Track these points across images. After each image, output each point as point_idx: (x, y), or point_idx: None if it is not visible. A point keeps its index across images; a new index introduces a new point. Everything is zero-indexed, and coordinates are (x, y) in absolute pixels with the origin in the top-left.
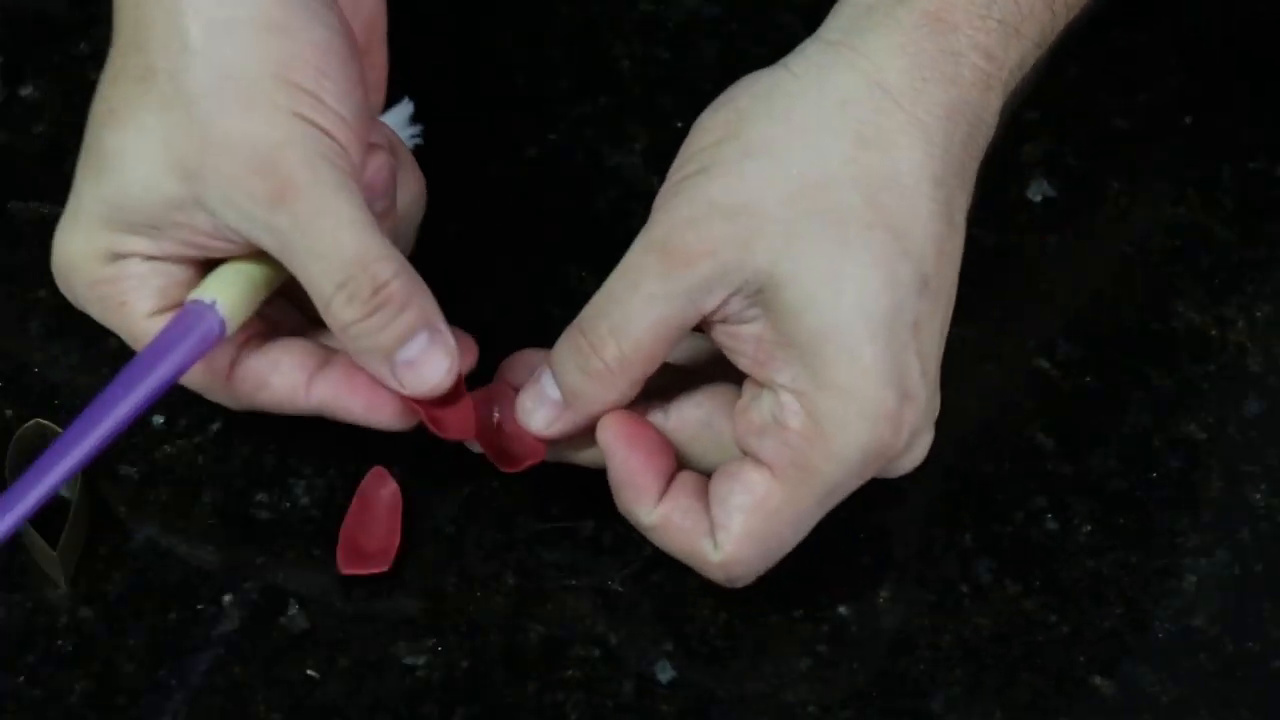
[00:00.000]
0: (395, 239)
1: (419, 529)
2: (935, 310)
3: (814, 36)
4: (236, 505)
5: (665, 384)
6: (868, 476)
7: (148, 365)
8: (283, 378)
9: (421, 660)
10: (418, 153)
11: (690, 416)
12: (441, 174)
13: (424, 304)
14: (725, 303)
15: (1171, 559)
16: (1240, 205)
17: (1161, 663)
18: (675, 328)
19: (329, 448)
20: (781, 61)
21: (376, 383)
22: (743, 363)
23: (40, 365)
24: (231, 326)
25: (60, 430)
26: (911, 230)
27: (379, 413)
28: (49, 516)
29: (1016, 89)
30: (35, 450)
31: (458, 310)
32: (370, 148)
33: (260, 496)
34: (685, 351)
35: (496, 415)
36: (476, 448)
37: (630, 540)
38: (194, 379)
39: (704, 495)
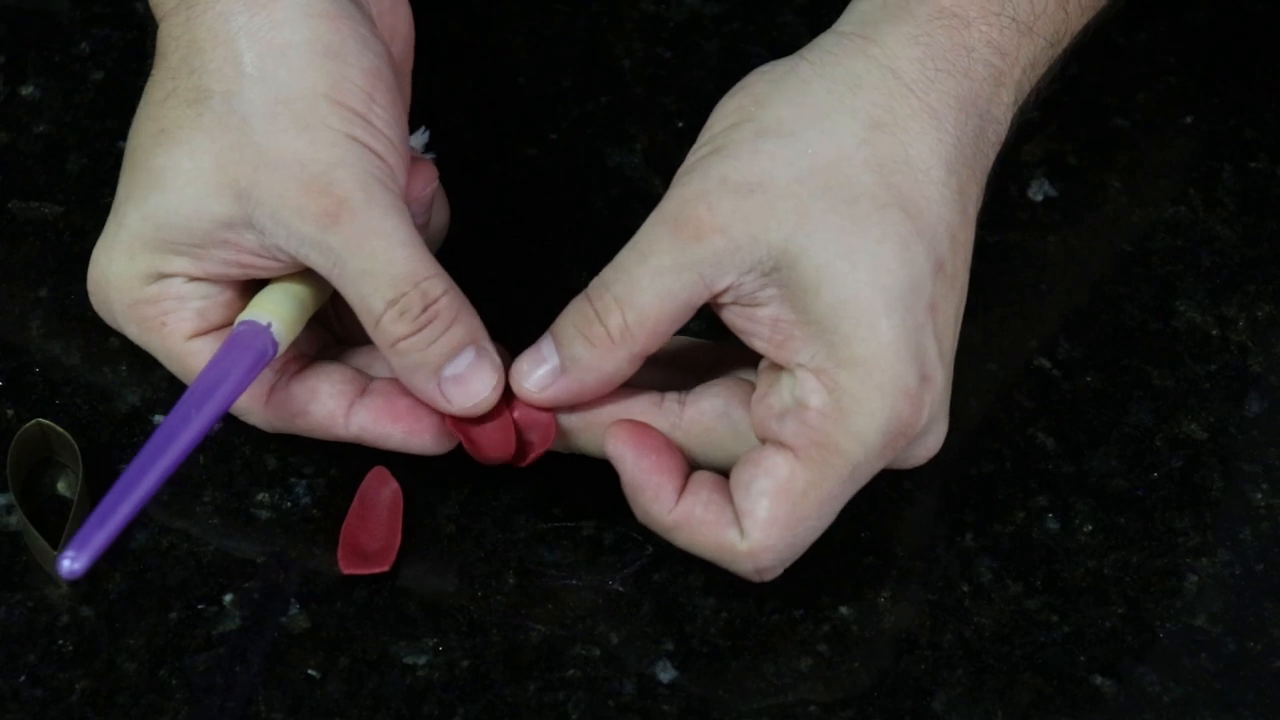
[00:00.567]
0: None
1: (420, 529)
2: (950, 295)
3: (829, 30)
4: (238, 504)
5: (680, 382)
6: (888, 458)
7: (210, 388)
8: (321, 405)
9: (422, 660)
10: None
11: (707, 407)
12: (443, 173)
13: (470, 321)
14: (738, 283)
15: (1172, 559)
16: (1241, 204)
17: (1162, 662)
18: (683, 302)
19: (330, 447)
20: (798, 52)
21: (416, 408)
22: (760, 345)
23: (40, 365)
24: (282, 348)
25: (61, 430)
26: (925, 213)
27: (419, 438)
28: (50, 516)
29: (1032, 91)
30: (36, 450)
31: None
32: (415, 164)
33: (261, 496)
34: (698, 352)
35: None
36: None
37: (631, 540)
38: (236, 402)
39: (724, 488)
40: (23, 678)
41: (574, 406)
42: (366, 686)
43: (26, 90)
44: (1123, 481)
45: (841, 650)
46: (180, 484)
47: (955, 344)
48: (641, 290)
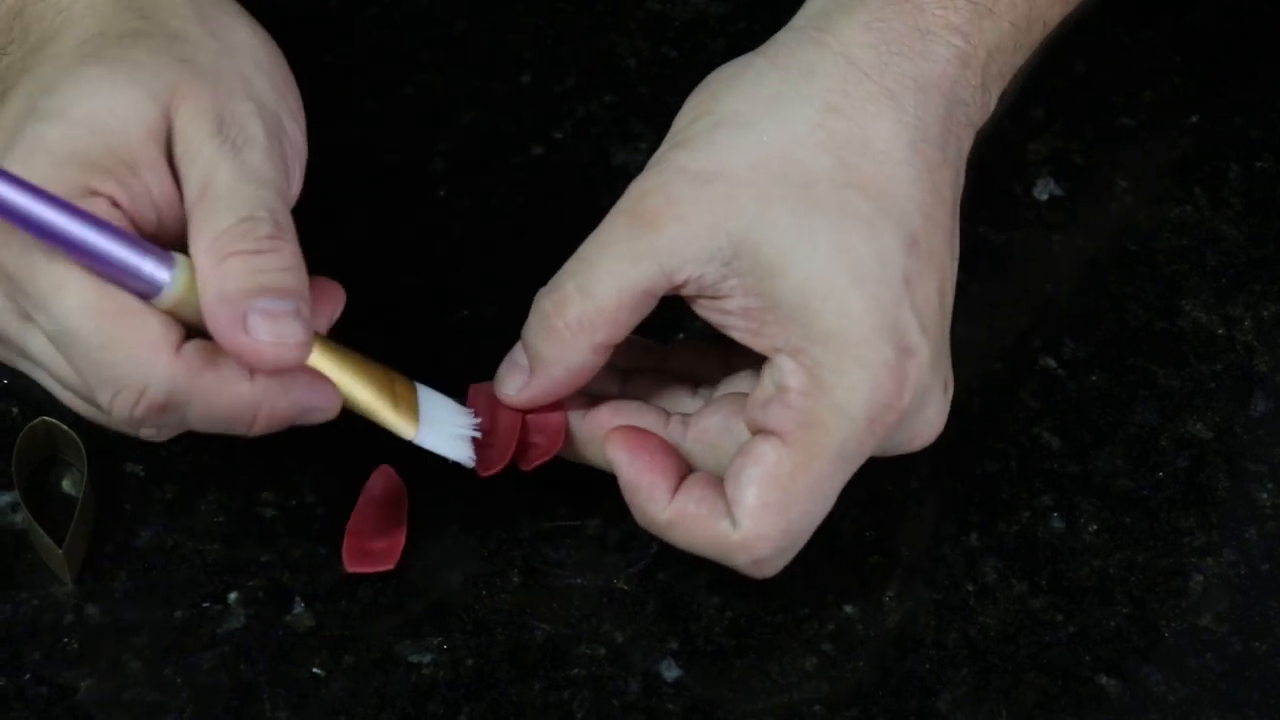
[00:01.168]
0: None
1: (425, 527)
2: (928, 269)
3: (785, 27)
4: (242, 503)
5: (689, 401)
6: (878, 435)
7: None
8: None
9: (427, 658)
10: (421, 155)
11: (710, 424)
12: (445, 173)
13: (302, 280)
14: (699, 274)
15: (1178, 558)
16: (1247, 204)
17: (1168, 662)
18: (641, 291)
19: (335, 446)
20: (756, 49)
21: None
22: (739, 336)
23: None
24: (167, 290)
25: (66, 428)
26: (889, 191)
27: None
28: (55, 514)
29: (1015, 73)
30: (41, 448)
31: (463, 309)
32: (324, 286)
33: (266, 494)
34: (709, 365)
35: None
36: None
37: (636, 539)
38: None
39: (718, 485)
40: (28, 676)
41: (584, 419)
42: (371, 685)
43: None
44: (1128, 481)
45: (846, 649)
46: (186, 481)
47: (944, 321)
48: (599, 280)
